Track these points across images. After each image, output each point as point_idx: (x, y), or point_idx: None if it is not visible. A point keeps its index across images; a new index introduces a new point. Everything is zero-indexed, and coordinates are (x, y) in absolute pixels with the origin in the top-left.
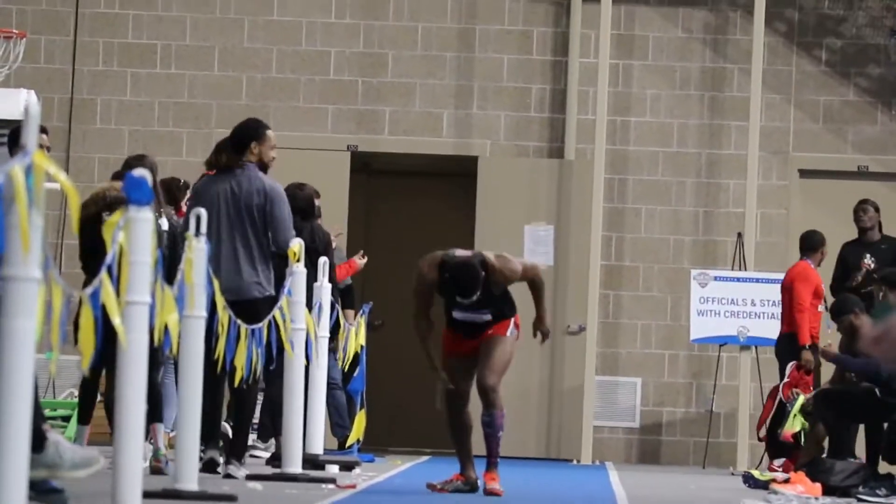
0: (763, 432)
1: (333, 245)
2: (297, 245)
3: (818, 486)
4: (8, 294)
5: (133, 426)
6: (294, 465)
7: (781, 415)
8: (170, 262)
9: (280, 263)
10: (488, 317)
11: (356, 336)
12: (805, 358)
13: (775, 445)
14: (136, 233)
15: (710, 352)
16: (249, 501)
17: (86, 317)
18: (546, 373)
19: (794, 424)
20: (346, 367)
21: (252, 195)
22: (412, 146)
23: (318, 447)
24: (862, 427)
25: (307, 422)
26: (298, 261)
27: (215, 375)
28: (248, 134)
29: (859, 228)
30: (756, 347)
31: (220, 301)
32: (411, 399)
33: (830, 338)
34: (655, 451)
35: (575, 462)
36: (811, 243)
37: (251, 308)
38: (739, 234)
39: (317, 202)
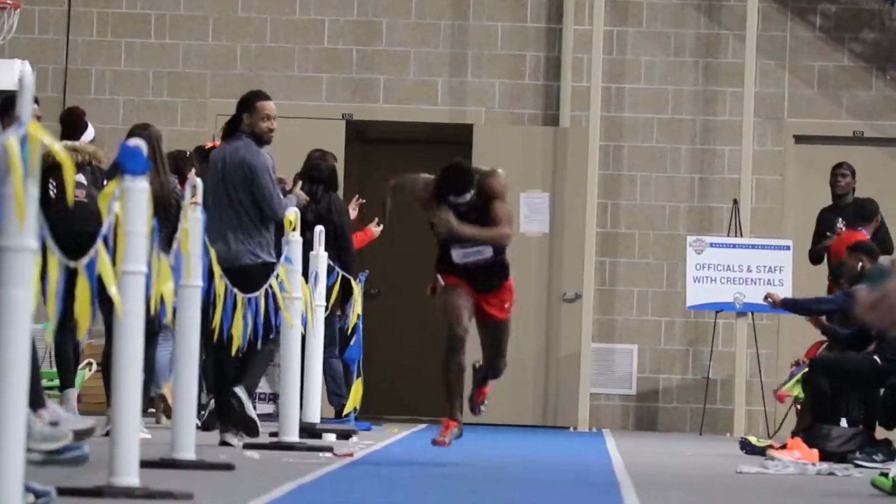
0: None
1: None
2: (292, 214)
3: (815, 452)
4: (4, 264)
5: (130, 396)
6: (291, 434)
7: None
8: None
9: (343, 254)
10: (489, 252)
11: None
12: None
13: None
14: (131, 203)
15: (707, 318)
16: (247, 470)
17: (82, 287)
18: (542, 340)
19: (794, 388)
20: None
21: (236, 167)
22: (407, 114)
23: (314, 416)
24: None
25: (304, 390)
26: (294, 229)
27: (222, 348)
28: (240, 105)
29: (834, 194)
30: (752, 314)
31: (217, 270)
32: (408, 367)
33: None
34: (652, 417)
35: (572, 429)
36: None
37: (243, 275)
38: (735, 201)
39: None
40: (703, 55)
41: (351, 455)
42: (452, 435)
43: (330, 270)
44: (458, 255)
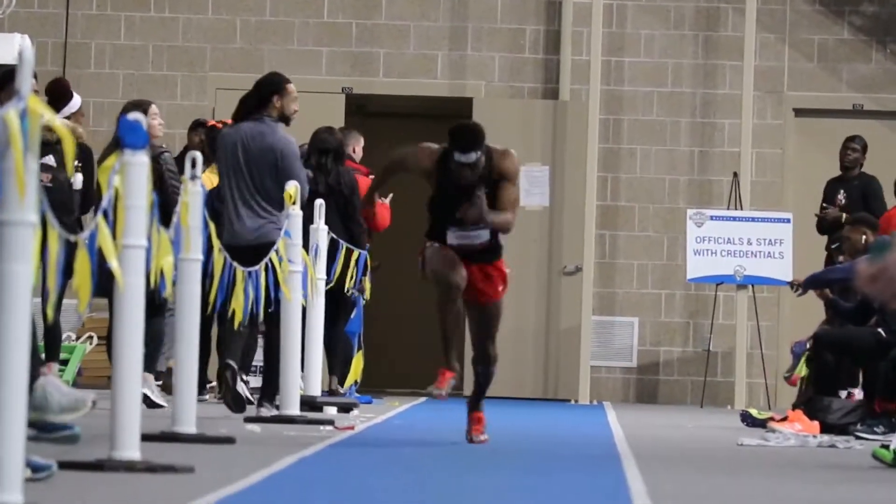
0: None
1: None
2: (292, 188)
3: (816, 424)
4: (4, 238)
5: (131, 369)
6: (292, 408)
7: None
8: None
9: (350, 224)
10: (487, 236)
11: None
12: None
13: None
14: (131, 177)
15: (707, 291)
16: (247, 444)
17: (82, 261)
18: (543, 313)
19: (802, 369)
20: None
21: (264, 152)
22: (407, 88)
23: (315, 389)
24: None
25: (305, 364)
26: (294, 203)
27: (233, 324)
28: (270, 88)
29: (842, 165)
30: (753, 286)
31: (216, 244)
32: (409, 340)
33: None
34: (653, 390)
35: (573, 402)
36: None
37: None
38: (735, 174)
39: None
40: (702, 28)
41: (352, 428)
42: (449, 386)
43: (333, 244)
44: (453, 236)
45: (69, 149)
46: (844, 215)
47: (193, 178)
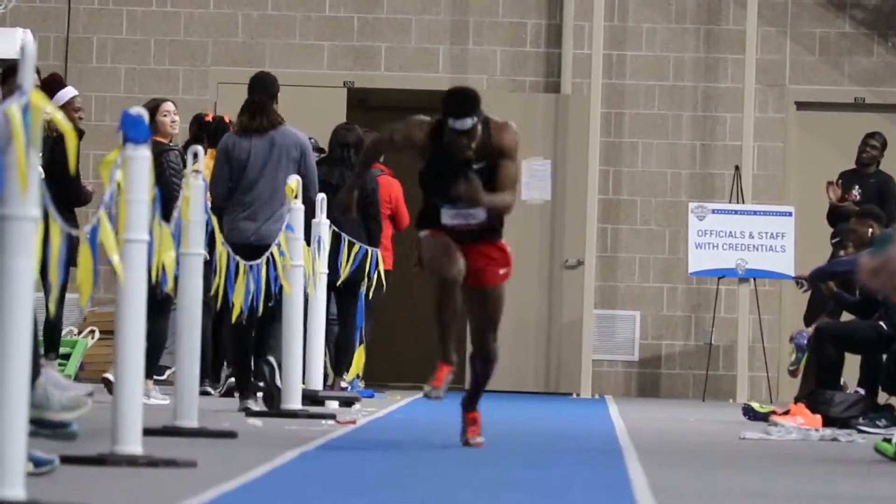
0: None
1: None
2: (293, 182)
3: (818, 417)
4: (6, 233)
5: (133, 364)
6: (294, 402)
7: None
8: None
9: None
10: (483, 216)
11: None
12: None
13: None
14: (133, 171)
15: (709, 285)
16: (249, 438)
17: (84, 255)
18: (545, 307)
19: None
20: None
21: (289, 149)
22: (408, 82)
23: (317, 383)
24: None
25: (306, 358)
26: (296, 197)
27: (240, 320)
28: (271, 91)
29: (859, 160)
30: (755, 280)
31: (219, 238)
32: (410, 335)
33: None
34: (655, 384)
35: (574, 396)
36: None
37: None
38: (737, 167)
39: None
40: (704, 22)
41: (353, 422)
42: (446, 384)
43: (337, 238)
44: (449, 214)
45: (71, 144)
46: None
47: (196, 172)
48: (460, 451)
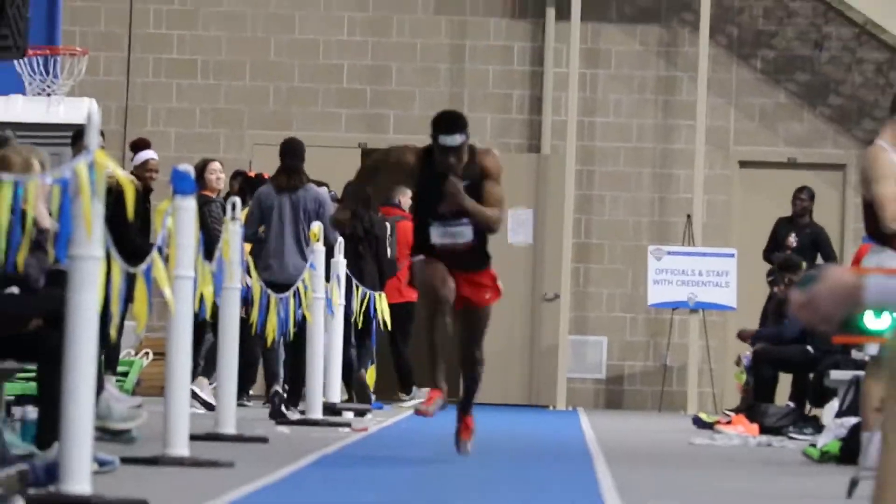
0: None
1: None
2: (317, 228)
3: (756, 426)
4: (75, 271)
5: (181, 379)
6: (316, 412)
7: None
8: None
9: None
10: (469, 235)
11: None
12: None
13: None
14: (181, 219)
15: (665, 315)
16: (279, 443)
17: (140, 289)
18: (527, 333)
19: (742, 379)
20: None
21: (309, 202)
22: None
23: (335, 396)
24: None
25: (326, 375)
26: (318, 240)
27: (272, 345)
28: (301, 155)
29: (793, 210)
30: (703, 311)
31: (254, 274)
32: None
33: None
34: (619, 398)
35: (551, 408)
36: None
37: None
38: (689, 216)
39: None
40: (661, 93)
41: (366, 430)
42: (436, 405)
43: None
44: (437, 232)
45: (129, 196)
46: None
47: (234, 219)
48: (454, 454)
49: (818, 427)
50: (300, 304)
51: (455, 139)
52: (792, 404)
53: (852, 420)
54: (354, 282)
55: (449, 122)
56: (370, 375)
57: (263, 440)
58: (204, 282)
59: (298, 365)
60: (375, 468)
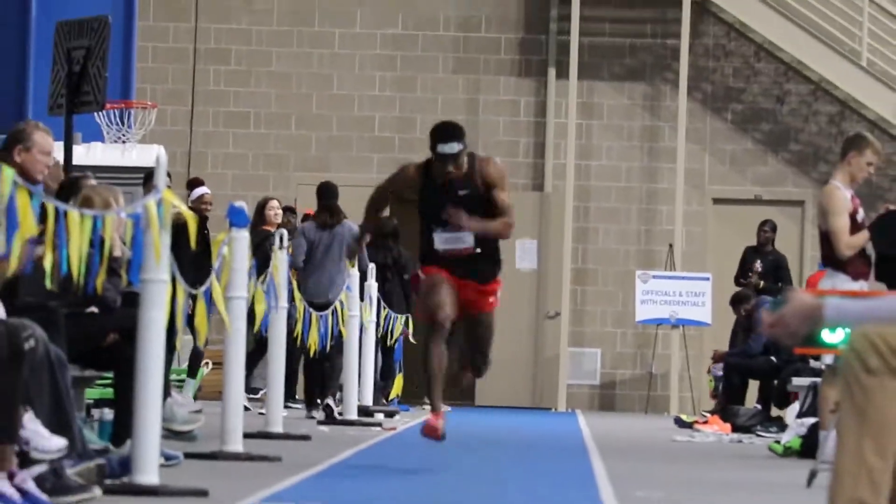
0: None
1: None
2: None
3: (728, 425)
4: (146, 292)
5: (236, 386)
6: (351, 413)
7: None
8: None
9: (407, 287)
10: (471, 241)
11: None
12: None
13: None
14: (235, 248)
15: (650, 330)
16: (320, 440)
17: (199, 308)
18: (532, 345)
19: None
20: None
21: (345, 235)
22: None
23: (368, 400)
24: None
25: (360, 381)
26: (353, 267)
27: (314, 356)
28: (336, 195)
29: (758, 240)
30: (683, 326)
31: (298, 295)
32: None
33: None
34: (611, 401)
35: (553, 410)
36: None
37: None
38: (671, 245)
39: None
40: (647, 141)
41: (394, 429)
42: (441, 427)
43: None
44: (440, 239)
45: (192, 228)
46: (761, 282)
47: (281, 248)
48: (467, 448)
49: (782, 426)
50: (338, 322)
51: (452, 147)
52: (759, 407)
53: (811, 420)
54: (382, 304)
55: (446, 131)
56: (398, 382)
57: (307, 438)
58: (256, 301)
59: (332, 371)
60: (402, 460)
